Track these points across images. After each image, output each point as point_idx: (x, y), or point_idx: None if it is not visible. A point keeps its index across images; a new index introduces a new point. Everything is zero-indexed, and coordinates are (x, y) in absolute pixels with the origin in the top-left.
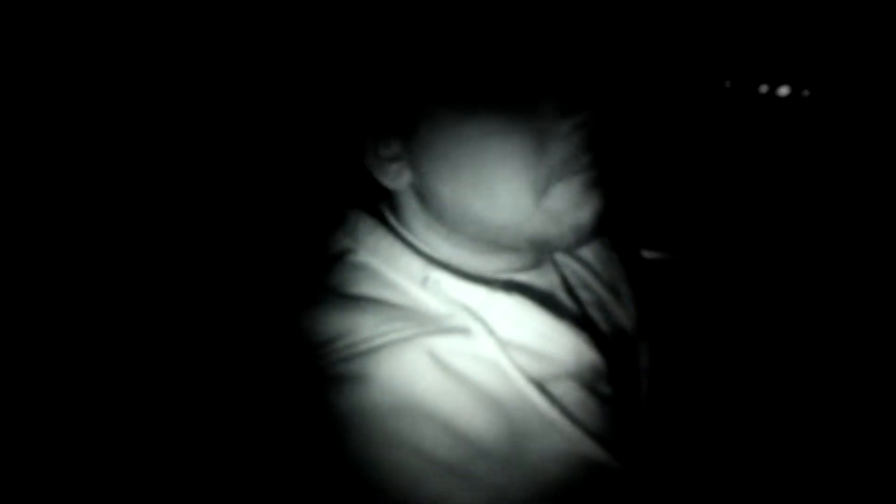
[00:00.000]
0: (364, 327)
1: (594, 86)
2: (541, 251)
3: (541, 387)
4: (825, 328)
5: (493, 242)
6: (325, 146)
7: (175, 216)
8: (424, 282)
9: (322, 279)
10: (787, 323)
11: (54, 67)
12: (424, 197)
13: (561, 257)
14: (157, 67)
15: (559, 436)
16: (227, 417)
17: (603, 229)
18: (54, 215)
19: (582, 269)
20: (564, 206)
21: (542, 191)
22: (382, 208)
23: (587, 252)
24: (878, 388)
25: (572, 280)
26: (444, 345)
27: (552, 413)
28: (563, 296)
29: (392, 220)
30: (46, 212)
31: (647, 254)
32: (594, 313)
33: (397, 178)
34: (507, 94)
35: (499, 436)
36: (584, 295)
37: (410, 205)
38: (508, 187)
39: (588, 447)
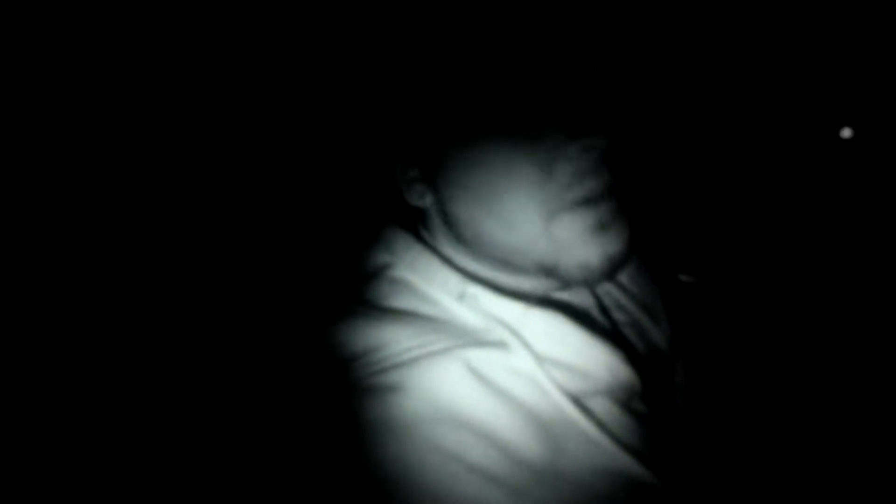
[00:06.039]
0: (400, 340)
1: (601, 110)
2: (553, 278)
3: (577, 401)
4: (854, 348)
5: (509, 264)
6: (361, 163)
7: (216, 230)
8: (461, 296)
9: (360, 293)
10: (818, 344)
11: (54, 67)
12: (446, 217)
13: None
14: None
15: (596, 450)
16: (261, 430)
17: (633, 253)
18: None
19: (616, 290)
20: (571, 237)
21: (550, 215)
22: (417, 225)
23: (621, 274)
24: None
25: (606, 301)
26: (481, 357)
27: (589, 427)
28: (598, 315)
29: (426, 236)
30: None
31: (683, 277)
32: (629, 333)
33: (422, 198)
34: (513, 117)
35: (537, 448)
36: (618, 316)
37: (438, 224)
38: (516, 207)
39: (625, 462)
